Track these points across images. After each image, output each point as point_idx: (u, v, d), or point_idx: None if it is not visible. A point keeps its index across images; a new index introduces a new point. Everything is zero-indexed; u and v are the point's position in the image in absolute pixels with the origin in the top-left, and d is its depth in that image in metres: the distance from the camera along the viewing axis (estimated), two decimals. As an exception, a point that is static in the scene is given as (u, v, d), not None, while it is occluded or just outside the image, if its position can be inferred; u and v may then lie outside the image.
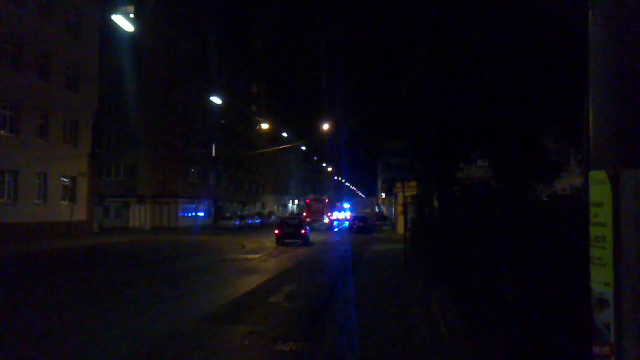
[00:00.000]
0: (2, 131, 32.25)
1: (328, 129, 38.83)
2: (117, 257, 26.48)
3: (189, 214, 63.53)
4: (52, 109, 36.49)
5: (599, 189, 2.58)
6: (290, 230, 34.44)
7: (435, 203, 19.14)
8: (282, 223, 36.09)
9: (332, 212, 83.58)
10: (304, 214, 67.24)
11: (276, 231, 34.47)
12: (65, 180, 38.61)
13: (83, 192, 40.28)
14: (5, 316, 11.19)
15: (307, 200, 78.69)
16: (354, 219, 55.59)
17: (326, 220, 74.06)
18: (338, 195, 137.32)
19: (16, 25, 32.99)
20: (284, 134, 72.28)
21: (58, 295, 14.09)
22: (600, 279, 2.58)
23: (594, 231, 2.64)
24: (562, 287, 4.87)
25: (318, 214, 73.03)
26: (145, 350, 8.32)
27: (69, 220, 37.74)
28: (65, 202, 38.28)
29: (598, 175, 2.59)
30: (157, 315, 11.36)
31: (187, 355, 8.19)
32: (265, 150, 79.06)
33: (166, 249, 31.01)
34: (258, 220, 69.85)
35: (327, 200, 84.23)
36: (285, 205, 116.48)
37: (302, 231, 34.49)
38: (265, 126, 70.09)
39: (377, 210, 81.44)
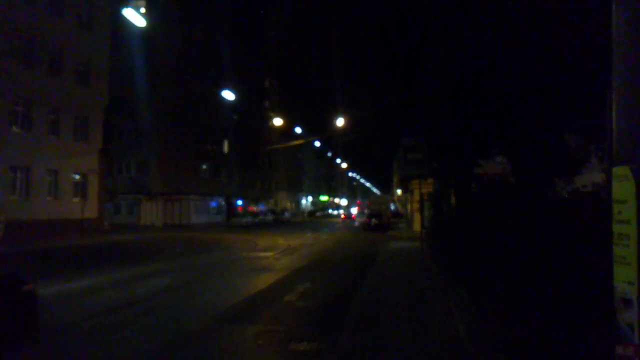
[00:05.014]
0: (14, 127, 32.35)
1: (343, 125, 38.52)
2: (129, 254, 26.54)
3: (201, 211, 63.58)
4: (63, 105, 36.58)
5: (622, 186, 2.52)
6: (348, 216, 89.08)
7: (453, 200, 18.97)
8: (345, 215, 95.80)
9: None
10: (357, 208, 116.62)
11: (342, 216, 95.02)
12: (77, 177, 38.62)
13: (94, 189, 40.22)
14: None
15: (359, 202, 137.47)
16: (369, 216, 54.01)
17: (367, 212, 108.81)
18: (352, 194, 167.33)
19: (27, 21, 33.06)
20: (298, 130, 72.22)
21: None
22: (624, 278, 2.51)
23: (617, 229, 2.57)
24: (585, 286, 4.79)
25: (364, 209, 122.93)
26: (158, 349, 8.32)
27: (80, 218, 37.83)
28: (77, 199, 38.22)
29: (621, 172, 2.53)
30: (171, 313, 11.37)
31: (201, 354, 8.19)
32: (278, 146, 79.10)
33: (178, 246, 31.03)
34: (271, 217, 71.09)
35: (368, 203, 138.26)
36: (299, 202, 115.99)
37: (353, 216, 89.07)
38: (278, 122, 69.94)
39: (392, 208, 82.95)
